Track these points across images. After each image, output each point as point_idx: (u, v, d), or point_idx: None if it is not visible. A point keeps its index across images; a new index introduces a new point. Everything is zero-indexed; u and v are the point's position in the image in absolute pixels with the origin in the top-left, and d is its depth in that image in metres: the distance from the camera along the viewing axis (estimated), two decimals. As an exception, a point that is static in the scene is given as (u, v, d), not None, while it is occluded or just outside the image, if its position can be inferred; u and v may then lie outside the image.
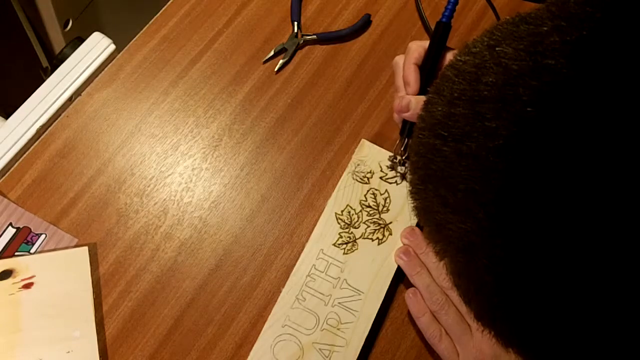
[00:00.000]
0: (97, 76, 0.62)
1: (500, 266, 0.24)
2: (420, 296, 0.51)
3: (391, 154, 0.58)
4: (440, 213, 0.26)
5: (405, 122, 0.56)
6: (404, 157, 0.57)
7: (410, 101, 0.53)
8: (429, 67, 0.55)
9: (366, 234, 0.55)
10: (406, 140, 0.57)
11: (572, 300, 0.22)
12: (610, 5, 0.22)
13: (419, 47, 0.55)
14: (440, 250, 0.28)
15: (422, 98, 0.53)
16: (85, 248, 0.54)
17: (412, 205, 0.29)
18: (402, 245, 0.54)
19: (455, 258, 0.26)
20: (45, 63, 0.99)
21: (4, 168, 0.57)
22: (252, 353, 0.51)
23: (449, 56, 0.55)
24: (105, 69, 0.63)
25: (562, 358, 0.24)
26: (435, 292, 0.50)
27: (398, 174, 0.58)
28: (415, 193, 0.29)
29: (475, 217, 0.24)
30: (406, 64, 0.55)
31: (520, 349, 0.26)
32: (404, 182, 0.58)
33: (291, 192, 0.59)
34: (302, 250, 0.55)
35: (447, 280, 0.48)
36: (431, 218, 0.27)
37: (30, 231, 0.54)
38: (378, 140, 0.60)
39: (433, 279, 0.51)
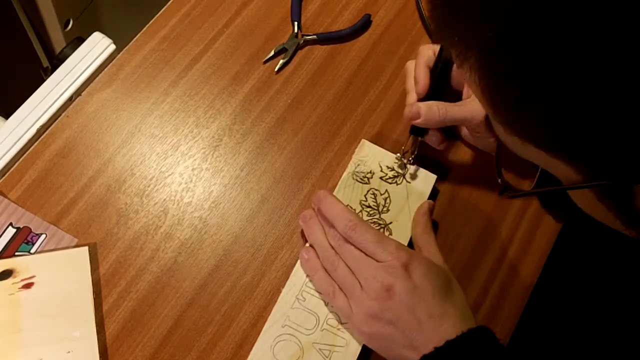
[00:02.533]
0: (97, 76, 0.62)
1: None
2: (313, 255, 0.52)
3: (398, 154, 0.58)
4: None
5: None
6: (412, 156, 0.57)
7: (420, 108, 0.54)
8: (439, 69, 0.55)
9: (366, 234, 0.55)
10: (417, 139, 0.57)
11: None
12: None
13: (429, 49, 0.56)
14: (462, 48, 0.31)
15: (432, 104, 0.53)
16: (85, 248, 0.54)
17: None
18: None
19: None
20: (45, 63, 0.99)
21: (4, 168, 0.57)
22: (252, 353, 0.51)
23: None
24: (106, 69, 0.63)
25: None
26: (327, 249, 0.51)
27: (401, 173, 0.58)
28: None
29: None
30: (417, 65, 0.56)
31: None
32: (404, 182, 0.58)
33: (291, 193, 0.59)
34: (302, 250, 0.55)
35: (335, 238, 0.51)
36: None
37: (31, 231, 0.54)
38: (378, 140, 0.60)
39: (326, 237, 0.52)
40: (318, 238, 0.52)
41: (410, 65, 0.57)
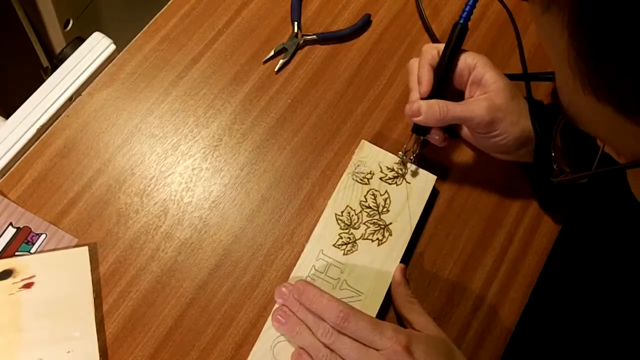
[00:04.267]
0: (97, 76, 0.62)
1: None
2: (306, 356, 0.49)
3: (400, 152, 0.58)
4: None
5: None
6: (414, 154, 0.57)
7: (420, 106, 0.53)
8: (443, 68, 0.55)
9: (366, 235, 0.55)
10: (419, 138, 0.57)
11: None
12: None
13: (432, 48, 0.56)
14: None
15: (433, 102, 0.53)
16: (85, 248, 0.54)
17: None
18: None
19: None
20: (45, 63, 0.99)
21: (4, 168, 0.57)
22: (252, 353, 0.51)
23: (464, 58, 0.55)
24: (106, 69, 0.63)
25: None
26: (320, 348, 0.48)
27: (401, 174, 0.58)
28: None
29: None
30: (421, 64, 0.56)
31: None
32: (404, 183, 0.58)
33: (291, 192, 0.59)
34: (302, 250, 0.55)
35: (328, 334, 0.48)
36: None
37: (31, 231, 0.54)
38: (378, 140, 0.60)
39: (314, 335, 0.49)
40: (307, 339, 0.49)
41: (414, 63, 0.57)
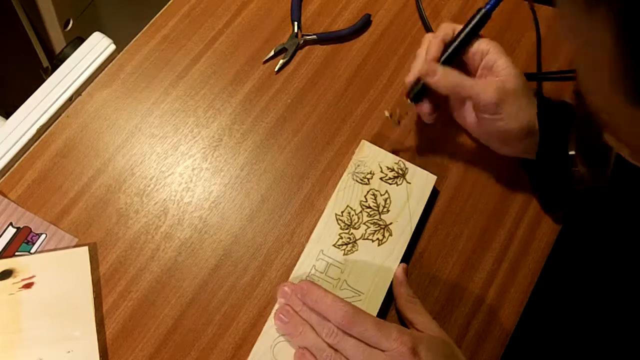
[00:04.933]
0: (97, 76, 0.62)
1: None
2: (309, 355, 0.49)
3: (386, 111, 0.58)
4: None
5: (413, 87, 0.56)
6: (399, 120, 0.57)
7: (438, 68, 0.53)
8: (455, 46, 0.55)
9: (366, 235, 0.55)
10: (412, 105, 0.57)
11: None
12: None
13: (449, 27, 0.56)
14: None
15: (450, 71, 0.53)
16: (86, 248, 0.54)
17: None
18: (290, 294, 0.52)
19: None
20: (45, 63, 0.99)
21: (4, 168, 0.57)
22: (252, 353, 0.51)
23: (478, 43, 0.55)
24: (106, 69, 0.63)
25: None
26: (324, 349, 0.48)
27: (401, 174, 0.58)
28: None
29: None
30: (435, 37, 0.56)
31: None
32: (404, 183, 0.58)
33: (291, 192, 0.59)
34: (302, 250, 0.55)
35: (333, 334, 0.47)
36: None
37: (31, 231, 0.54)
38: (378, 140, 0.60)
39: (317, 335, 0.49)
40: (311, 339, 0.49)
41: (428, 36, 0.57)
